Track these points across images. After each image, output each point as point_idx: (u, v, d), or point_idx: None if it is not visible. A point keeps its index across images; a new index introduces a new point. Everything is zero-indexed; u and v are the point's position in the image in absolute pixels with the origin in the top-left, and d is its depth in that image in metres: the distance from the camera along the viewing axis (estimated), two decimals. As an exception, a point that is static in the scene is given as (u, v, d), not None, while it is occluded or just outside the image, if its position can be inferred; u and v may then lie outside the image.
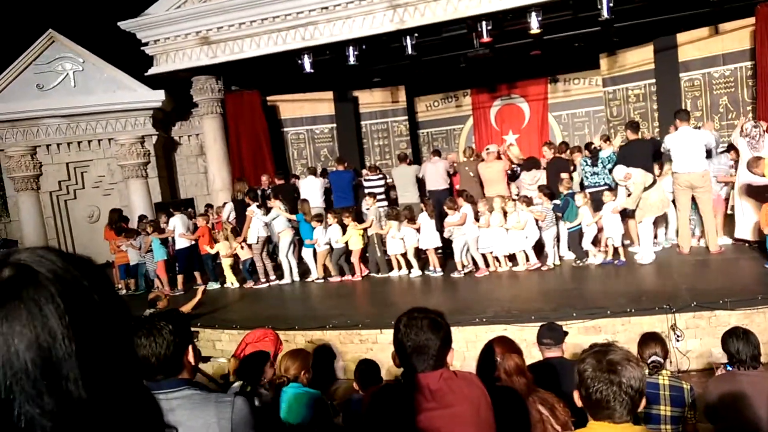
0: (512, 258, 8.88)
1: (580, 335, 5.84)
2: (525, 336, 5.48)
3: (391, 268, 9.56)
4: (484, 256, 8.91)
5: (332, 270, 9.78)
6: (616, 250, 8.41)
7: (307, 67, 10.71)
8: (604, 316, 6.13)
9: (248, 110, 12.24)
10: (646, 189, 8.10)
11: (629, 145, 8.76)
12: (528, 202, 8.74)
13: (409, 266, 9.43)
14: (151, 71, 11.64)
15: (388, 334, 6.43)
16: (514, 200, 8.90)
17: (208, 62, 11.34)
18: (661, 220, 8.80)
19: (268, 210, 9.91)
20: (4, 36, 12.41)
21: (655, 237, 8.84)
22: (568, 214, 8.67)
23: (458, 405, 2.09)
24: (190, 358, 2.24)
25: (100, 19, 11.71)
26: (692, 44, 10.84)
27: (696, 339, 5.94)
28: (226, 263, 10.11)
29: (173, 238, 10.38)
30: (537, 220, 8.69)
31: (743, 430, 3.17)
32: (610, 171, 8.72)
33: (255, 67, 11.67)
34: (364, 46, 10.56)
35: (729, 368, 3.47)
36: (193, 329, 3.27)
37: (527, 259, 8.73)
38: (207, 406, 2.15)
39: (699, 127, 8.86)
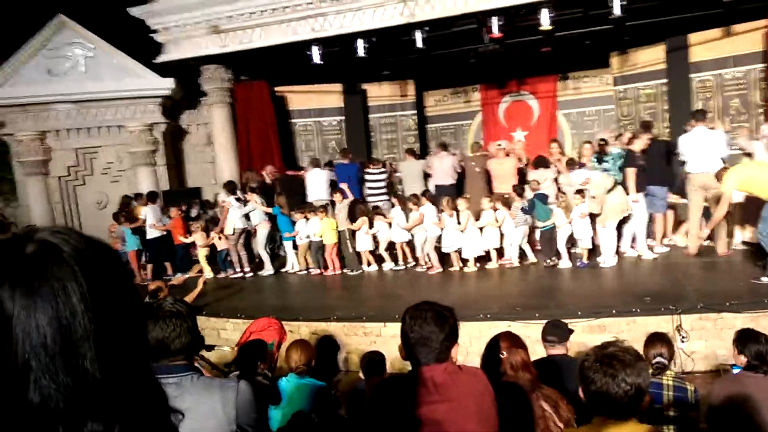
0: (484, 258, 8.99)
1: (585, 334, 5.83)
2: (529, 333, 5.47)
3: (360, 263, 9.66)
4: (447, 254, 9.09)
5: (311, 263, 9.99)
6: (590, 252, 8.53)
7: (317, 59, 10.69)
8: (610, 315, 6.13)
9: (257, 100, 12.23)
10: (609, 191, 8.10)
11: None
12: (505, 201, 8.83)
13: (380, 261, 9.54)
14: (160, 59, 11.64)
15: (392, 327, 6.51)
16: (488, 198, 9.01)
17: (217, 51, 11.32)
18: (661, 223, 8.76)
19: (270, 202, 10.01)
20: (14, 21, 12.43)
21: (665, 237, 8.80)
22: (538, 215, 8.78)
23: (461, 398, 2.09)
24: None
25: (110, 4, 11.69)
26: (704, 45, 10.75)
27: (701, 341, 5.93)
28: (202, 254, 10.28)
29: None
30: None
31: (747, 432, 3.16)
32: (620, 168, 8.69)
33: (264, 58, 11.65)
34: (374, 39, 10.53)
35: (736, 370, 3.45)
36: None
37: (499, 257, 8.87)
38: (212, 390, 2.18)
39: (713, 128, 8.81)
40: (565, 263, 8.60)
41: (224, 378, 3.13)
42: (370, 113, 13.60)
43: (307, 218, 9.78)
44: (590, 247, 8.52)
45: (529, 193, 8.99)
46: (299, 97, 13.24)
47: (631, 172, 8.04)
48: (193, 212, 11.30)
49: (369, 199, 10.56)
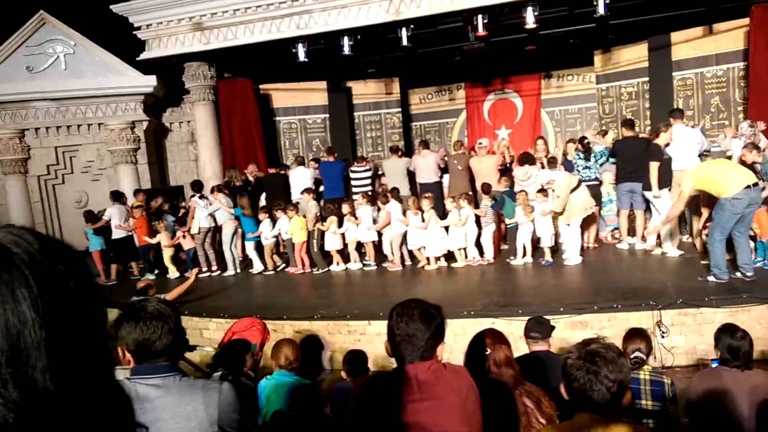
0: (451, 257, 9.08)
1: (567, 330, 5.88)
2: (512, 329, 5.51)
3: (329, 263, 9.71)
4: (411, 252, 9.24)
5: (278, 262, 10.09)
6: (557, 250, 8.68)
7: (302, 56, 10.65)
8: (592, 312, 6.19)
9: (240, 98, 12.15)
10: (572, 191, 8.19)
11: (623, 141, 8.82)
12: (468, 198, 8.91)
13: (347, 260, 9.64)
14: (143, 56, 11.52)
15: (377, 326, 6.52)
16: (452, 197, 9.07)
17: (201, 48, 11.24)
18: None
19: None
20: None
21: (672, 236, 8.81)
22: (506, 211, 8.86)
23: (445, 397, 2.10)
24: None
25: (92, 1, 11.54)
26: (686, 43, 10.88)
27: (681, 336, 6.01)
28: (167, 254, 10.30)
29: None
30: (478, 217, 8.87)
31: (725, 426, 3.21)
32: (601, 165, 8.79)
33: (248, 55, 11.59)
34: (359, 37, 10.51)
35: (715, 365, 3.50)
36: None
37: (466, 256, 8.92)
38: (194, 391, 2.16)
39: (694, 126, 8.92)
40: (527, 260, 8.73)
41: (207, 379, 3.10)
42: (354, 111, 13.59)
43: (272, 218, 9.80)
44: (552, 245, 8.64)
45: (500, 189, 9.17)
46: (284, 95, 13.18)
47: (654, 166, 7.88)
48: (166, 206, 11.19)
49: (354, 197, 10.56)
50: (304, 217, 9.75)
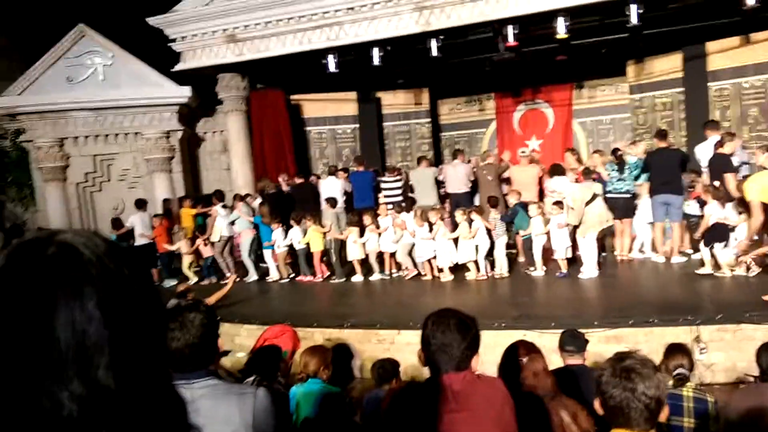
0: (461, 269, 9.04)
1: (601, 344, 5.77)
2: (544, 342, 5.42)
3: (352, 273, 9.74)
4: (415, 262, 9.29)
5: (291, 271, 10.24)
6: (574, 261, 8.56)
7: (332, 67, 10.76)
8: (626, 326, 6.06)
9: (272, 108, 12.32)
10: (587, 204, 8.04)
11: (656, 153, 8.67)
12: (479, 211, 8.90)
13: (368, 270, 9.67)
14: (178, 67, 11.79)
15: (406, 335, 6.50)
16: (463, 210, 9.02)
17: (234, 60, 11.45)
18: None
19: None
20: (35, 30, 12.65)
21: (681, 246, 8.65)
22: (519, 223, 8.78)
23: (480, 408, 2.08)
24: (221, 348, 2.26)
25: (129, 14, 11.86)
26: (722, 53, 10.67)
27: (720, 352, 5.84)
28: (186, 261, 10.49)
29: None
30: (489, 230, 8.80)
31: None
32: (636, 178, 8.64)
33: (280, 66, 11.76)
34: (388, 47, 10.57)
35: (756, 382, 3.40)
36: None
37: (477, 270, 8.87)
38: (229, 397, 2.18)
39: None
40: (538, 273, 8.66)
41: (241, 384, 3.13)
42: (384, 121, 13.64)
43: (286, 227, 9.92)
44: (569, 257, 8.53)
45: (513, 201, 9.14)
46: (314, 105, 13.31)
47: (728, 178, 7.64)
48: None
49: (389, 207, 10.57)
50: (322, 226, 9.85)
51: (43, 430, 0.65)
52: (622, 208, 8.76)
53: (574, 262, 8.66)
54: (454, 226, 9.00)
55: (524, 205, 8.92)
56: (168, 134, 12.38)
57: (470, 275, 8.84)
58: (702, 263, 7.76)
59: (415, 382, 3.80)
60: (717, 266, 7.59)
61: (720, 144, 7.94)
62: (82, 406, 0.65)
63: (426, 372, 2.20)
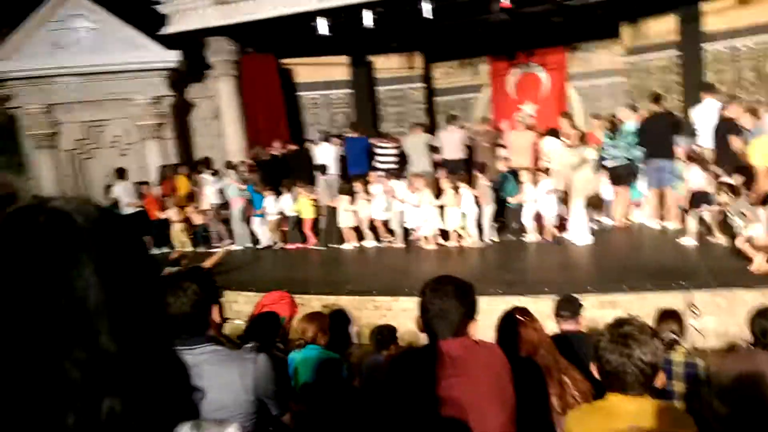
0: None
1: (595, 309, 5.83)
2: (539, 308, 5.47)
3: (342, 241, 9.77)
4: (407, 229, 9.34)
5: (278, 238, 10.24)
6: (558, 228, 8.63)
7: (322, 30, 10.55)
8: (621, 291, 6.13)
9: (263, 73, 12.13)
10: (575, 170, 8.05)
11: (650, 118, 8.63)
12: (463, 179, 8.92)
13: (361, 238, 9.70)
14: (165, 30, 11.53)
15: (403, 302, 6.55)
16: (448, 177, 9.06)
17: (222, 23, 11.19)
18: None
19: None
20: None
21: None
22: (508, 190, 8.78)
23: (478, 373, 2.11)
24: (215, 316, 2.27)
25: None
26: (717, 15, 10.52)
27: (712, 317, 5.92)
28: (177, 228, 10.51)
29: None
30: (477, 198, 8.83)
31: (759, 410, 3.17)
32: (631, 144, 8.62)
33: (270, 29, 11.50)
34: (380, 10, 10.36)
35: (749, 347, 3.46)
36: (218, 287, 3.32)
37: (463, 236, 8.88)
38: (230, 362, 2.20)
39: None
40: (530, 238, 8.68)
41: (241, 350, 3.16)
42: (377, 86, 13.47)
43: (277, 195, 9.90)
44: (557, 224, 8.59)
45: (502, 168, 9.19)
46: (306, 70, 13.11)
47: (735, 140, 7.60)
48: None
49: (379, 173, 10.55)
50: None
51: (47, 399, 0.65)
52: (620, 174, 8.77)
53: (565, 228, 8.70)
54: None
55: (513, 172, 8.93)
56: (158, 100, 12.19)
57: (455, 242, 8.89)
58: (684, 232, 7.80)
59: (413, 347, 3.85)
60: (704, 233, 7.64)
61: (724, 108, 7.90)
62: (85, 372, 0.66)
63: (424, 338, 2.22)
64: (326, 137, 11.18)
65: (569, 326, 3.58)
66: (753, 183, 6.75)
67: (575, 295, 4.16)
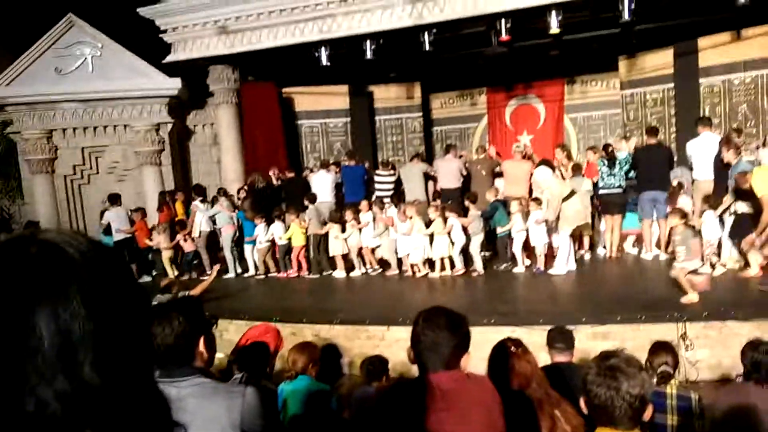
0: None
1: (589, 341, 5.80)
2: (533, 339, 5.45)
3: (334, 268, 9.79)
4: (399, 258, 9.37)
5: (272, 267, 10.23)
6: (549, 255, 8.64)
7: (324, 60, 10.70)
8: (614, 323, 6.09)
9: (263, 101, 12.25)
10: (565, 200, 8.10)
11: (645, 149, 8.71)
12: (452, 209, 8.99)
13: (351, 266, 9.74)
14: (168, 59, 11.69)
15: (396, 331, 6.49)
16: (436, 206, 9.14)
17: (225, 52, 11.36)
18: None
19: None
20: (24, 19, 12.48)
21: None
22: (497, 220, 8.81)
23: (469, 407, 2.08)
24: (201, 348, 2.23)
25: (120, 4, 11.73)
26: (713, 49, 10.69)
27: (706, 349, 5.88)
28: (165, 256, 10.48)
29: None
30: (465, 227, 8.88)
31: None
32: (626, 173, 8.68)
33: (271, 58, 11.68)
34: (381, 41, 10.52)
35: (741, 380, 3.43)
36: (211, 316, 3.27)
37: (452, 266, 8.92)
38: (217, 396, 2.15)
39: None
40: (519, 269, 8.73)
41: (229, 383, 3.11)
42: (376, 115, 13.61)
43: (268, 222, 9.95)
44: (545, 253, 8.64)
45: (490, 198, 9.21)
46: (306, 99, 13.24)
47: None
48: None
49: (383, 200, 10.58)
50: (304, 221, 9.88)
51: (28, 430, 0.64)
52: (614, 203, 8.81)
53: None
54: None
55: (503, 202, 9.00)
56: (158, 126, 12.29)
57: (438, 273, 8.92)
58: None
59: (404, 380, 3.81)
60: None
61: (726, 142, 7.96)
62: (67, 404, 0.65)
63: (415, 370, 2.20)
64: (324, 165, 11.24)
65: (563, 358, 3.54)
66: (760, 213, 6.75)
67: (569, 326, 4.14)
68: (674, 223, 6.77)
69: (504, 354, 2.88)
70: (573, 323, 5.47)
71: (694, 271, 6.57)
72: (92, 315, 0.68)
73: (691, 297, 6.38)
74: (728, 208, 7.57)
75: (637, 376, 1.85)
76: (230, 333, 7.21)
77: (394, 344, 6.38)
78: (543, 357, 3.79)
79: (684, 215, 6.84)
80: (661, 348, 3.62)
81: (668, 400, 3.30)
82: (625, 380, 1.82)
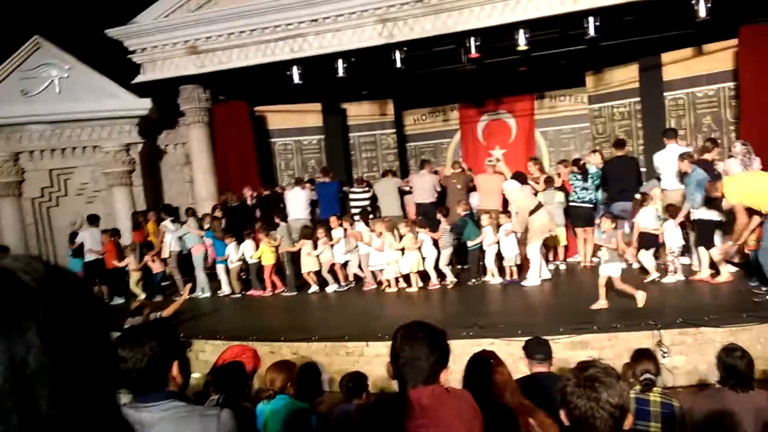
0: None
1: (567, 351, 5.84)
2: (512, 350, 5.46)
3: (305, 285, 9.80)
4: (373, 273, 9.41)
5: (239, 285, 10.18)
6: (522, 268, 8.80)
7: (296, 79, 10.71)
8: (591, 332, 6.15)
9: (235, 120, 12.18)
10: (531, 213, 8.27)
11: (613, 161, 8.88)
12: (421, 224, 9.13)
13: (324, 283, 9.72)
14: (138, 79, 11.56)
15: (375, 347, 6.45)
16: (406, 221, 9.30)
17: (195, 71, 11.29)
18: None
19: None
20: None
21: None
22: (467, 233, 8.97)
23: (449, 422, 2.06)
24: (175, 372, 2.18)
25: (87, 26, 11.61)
26: (676, 64, 11.02)
27: (682, 356, 5.97)
28: (133, 278, 10.40)
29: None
30: (435, 240, 8.99)
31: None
32: (597, 187, 8.84)
33: (243, 78, 11.64)
34: (353, 59, 10.59)
35: (718, 386, 3.47)
36: (185, 339, 3.21)
37: (424, 280, 9.02)
38: (191, 419, 2.10)
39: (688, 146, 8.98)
40: (495, 280, 8.85)
41: (203, 406, 3.04)
42: (350, 132, 13.65)
43: (239, 242, 9.90)
44: (518, 263, 8.80)
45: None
46: (279, 117, 13.22)
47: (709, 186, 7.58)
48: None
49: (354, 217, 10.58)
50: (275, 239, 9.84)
51: None
52: (585, 216, 8.94)
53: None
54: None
55: (472, 216, 9.10)
56: (128, 147, 12.14)
57: (415, 287, 8.98)
58: (646, 271, 8.06)
59: (384, 396, 3.77)
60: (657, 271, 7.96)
61: (701, 152, 8.19)
62: None
63: (396, 385, 2.17)
64: (298, 182, 11.20)
65: (541, 368, 3.55)
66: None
67: (547, 336, 4.16)
68: (606, 227, 6.99)
69: (479, 366, 2.88)
70: (551, 334, 5.50)
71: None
72: (48, 347, 0.65)
73: (601, 303, 6.77)
74: (687, 215, 7.79)
75: (615, 385, 1.86)
76: (207, 354, 7.08)
77: (373, 359, 6.34)
78: (522, 368, 3.80)
79: (615, 220, 7.12)
80: (642, 355, 3.66)
81: (652, 407, 3.32)
82: (604, 390, 1.82)
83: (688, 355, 5.95)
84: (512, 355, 4.77)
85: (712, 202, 7.29)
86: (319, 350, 6.74)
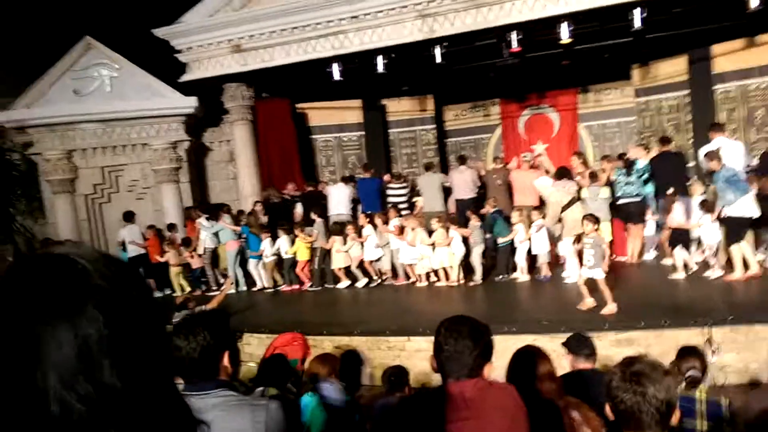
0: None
1: (613, 347, 5.75)
2: (555, 347, 5.40)
3: (337, 281, 9.86)
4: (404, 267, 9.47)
5: (279, 280, 10.35)
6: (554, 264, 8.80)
7: (336, 76, 10.80)
8: (638, 329, 6.03)
9: (278, 117, 12.37)
10: (565, 208, 8.08)
11: (660, 157, 8.65)
12: (452, 221, 9.12)
13: (354, 279, 9.79)
14: (184, 78, 11.86)
15: (416, 342, 6.49)
16: (439, 217, 9.26)
17: (239, 70, 11.51)
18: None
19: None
20: (42, 43, 12.76)
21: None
22: (497, 230, 8.90)
23: (492, 415, 2.07)
24: (226, 362, 2.25)
25: (135, 26, 11.96)
26: (727, 56, 10.64)
27: (732, 353, 5.80)
28: (174, 272, 10.68)
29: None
30: (465, 238, 8.94)
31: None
32: (645, 182, 8.63)
33: (285, 75, 11.80)
34: (393, 55, 10.60)
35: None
36: (236, 330, 3.31)
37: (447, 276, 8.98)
38: (242, 409, 2.16)
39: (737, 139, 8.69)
40: (524, 277, 8.76)
41: (252, 395, 3.13)
42: (389, 128, 13.67)
43: (274, 237, 10.01)
44: (549, 260, 8.71)
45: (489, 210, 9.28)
46: (319, 114, 13.36)
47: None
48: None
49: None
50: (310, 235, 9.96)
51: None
52: (633, 212, 8.75)
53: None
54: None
55: (501, 213, 9.02)
56: (175, 145, 12.45)
57: (444, 282, 8.99)
58: (674, 268, 7.89)
59: (426, 389, 3.80)
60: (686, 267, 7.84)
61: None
62: (91, 407, 0.68)
63: (437, 378, 2.20)
64: (343, 178, 11.32)
65: (584, 364, 3.51)
66: None
67: (591, 333, 4.11)
68: (588, 229, 6.84)
69: (524, 360, 2.88)
70: (596, 330, 5.43)
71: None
72: (108, 321, 0.71)
73: (588, 302, 6.71)
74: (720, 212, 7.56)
75: (662, 380, 1.84)
76: (252, 346, 7.26)
77: (414, 354, 6.38)
78: (564, 364, 3.77)
79: (596, 221, 6.98)
80: (688, 353, 3.58)
81: (698, 405, 3.26)
82: (651, 385, 1.81)
83: (739, 353, 5.77)
84: (555, 352, 4.71)
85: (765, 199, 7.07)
86: (360, 344, 6.81)
